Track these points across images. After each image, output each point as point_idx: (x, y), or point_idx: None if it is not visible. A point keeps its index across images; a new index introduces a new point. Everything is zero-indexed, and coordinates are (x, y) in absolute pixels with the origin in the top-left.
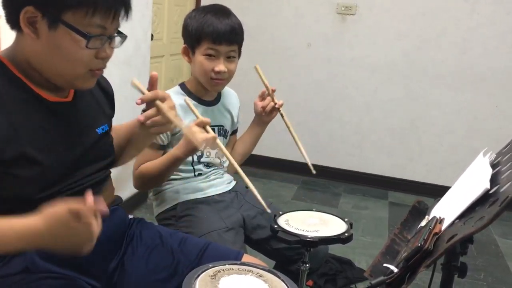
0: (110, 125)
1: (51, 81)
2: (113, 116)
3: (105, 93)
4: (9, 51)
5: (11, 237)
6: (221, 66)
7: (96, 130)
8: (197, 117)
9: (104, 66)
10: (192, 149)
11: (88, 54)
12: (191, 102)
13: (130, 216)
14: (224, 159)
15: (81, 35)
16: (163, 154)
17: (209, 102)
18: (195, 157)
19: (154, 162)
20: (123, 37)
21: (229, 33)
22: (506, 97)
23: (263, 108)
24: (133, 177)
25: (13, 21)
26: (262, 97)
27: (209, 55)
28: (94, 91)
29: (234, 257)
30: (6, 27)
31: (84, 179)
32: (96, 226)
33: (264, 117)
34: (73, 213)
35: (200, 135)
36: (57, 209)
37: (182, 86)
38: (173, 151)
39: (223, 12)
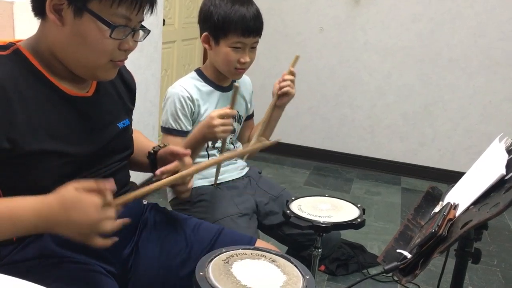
0: (131, 119)
1: (73, 71)
2: (133, 109)
3: (127, 86)
4: (32, 41)
5: (26, 212)
6: (246, 58)
7: (118, 124)
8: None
9: (126, 58)
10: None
11: (112, 44)
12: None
13: (144, 202)
14: (238, 144)
15: (105, 24)
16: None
17: (226, 88)
18: (210, 142)
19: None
20: (146, 31)
21: (257, 25)
22: None
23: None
24: None
25: (38, 8)
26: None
27: (236, 47)
28: (116, 84)
29: (247, 242)
30: (20, 13)
31: (101, 169)
32: (108, 210)
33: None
34: (83, 186)
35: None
36: (68, 185)
37: (199, 72)
38: (198, 133)
39: (247, 0)
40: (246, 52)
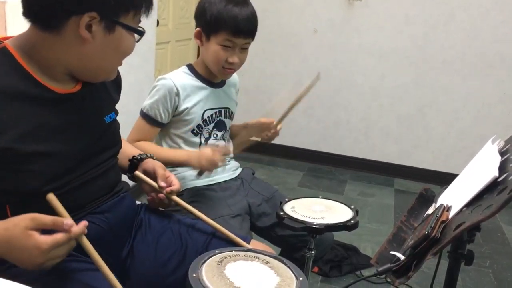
0: (116, 112)
1: (76, 76)
2: (118, 101)
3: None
4: (21, 42)
5: None
6: (235, 58)
7: (104, 118)
8: None
9: None
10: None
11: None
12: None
13: (138, 202)
14: (230, 143)
15: (137, 33)
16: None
17: (216, 84)
18: (203, 140)
19: (156, 149)
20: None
21: (249, 27)
22: None
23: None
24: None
25: (50, 24)
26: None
27: (225, 45)
28: None
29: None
30: (12, 13)
31: (91, 170)
32: (58, 250)
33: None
34: (37, 223)
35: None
36: (22, 220)
37: (190, 67)
38: (186, 157)
39: (243, 0)
40: (235, 52)
